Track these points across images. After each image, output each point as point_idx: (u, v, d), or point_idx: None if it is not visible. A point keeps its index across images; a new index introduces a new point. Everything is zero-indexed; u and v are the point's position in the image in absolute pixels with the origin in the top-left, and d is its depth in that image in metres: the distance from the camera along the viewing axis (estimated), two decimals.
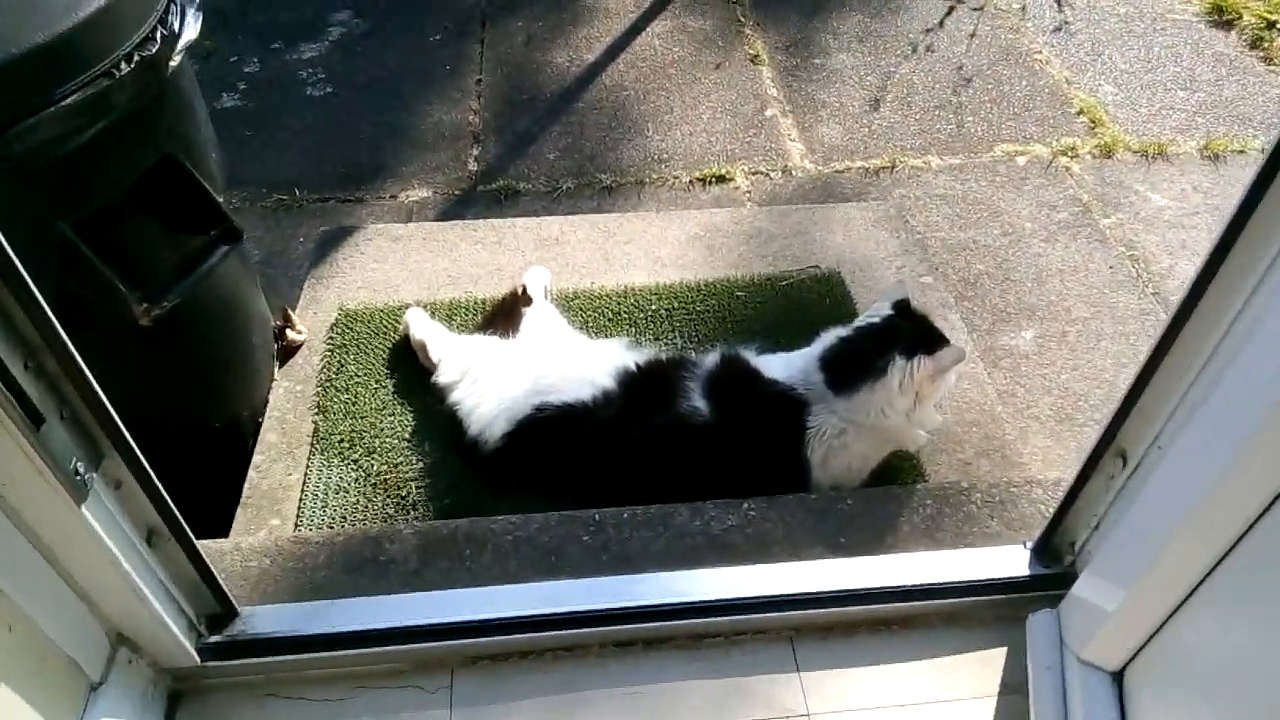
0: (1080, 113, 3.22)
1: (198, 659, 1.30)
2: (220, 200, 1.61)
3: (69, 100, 1.27)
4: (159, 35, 1.41)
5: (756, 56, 3.49)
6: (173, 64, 1.43)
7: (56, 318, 0.97)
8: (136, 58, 1.36)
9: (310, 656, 1.35)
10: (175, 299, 1.48)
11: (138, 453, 1.10)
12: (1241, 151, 3.02)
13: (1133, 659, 1.15)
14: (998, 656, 1.40)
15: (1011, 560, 1.46)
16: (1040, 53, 3.52)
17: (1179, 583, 1.06)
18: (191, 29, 1.48)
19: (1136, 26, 3.65)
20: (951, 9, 3.76)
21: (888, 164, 3.00)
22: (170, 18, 1.44)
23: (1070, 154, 3.04)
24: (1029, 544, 1.48)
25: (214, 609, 1.33)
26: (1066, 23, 3.68)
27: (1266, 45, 3.47)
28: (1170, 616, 1.08)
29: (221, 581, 1.31)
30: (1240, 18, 3.60)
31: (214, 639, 1.32)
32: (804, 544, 1.54)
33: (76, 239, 1.35)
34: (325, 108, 3.29)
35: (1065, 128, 3.16)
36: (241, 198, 2.89)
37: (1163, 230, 2.77)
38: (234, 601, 1.35)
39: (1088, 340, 2.42)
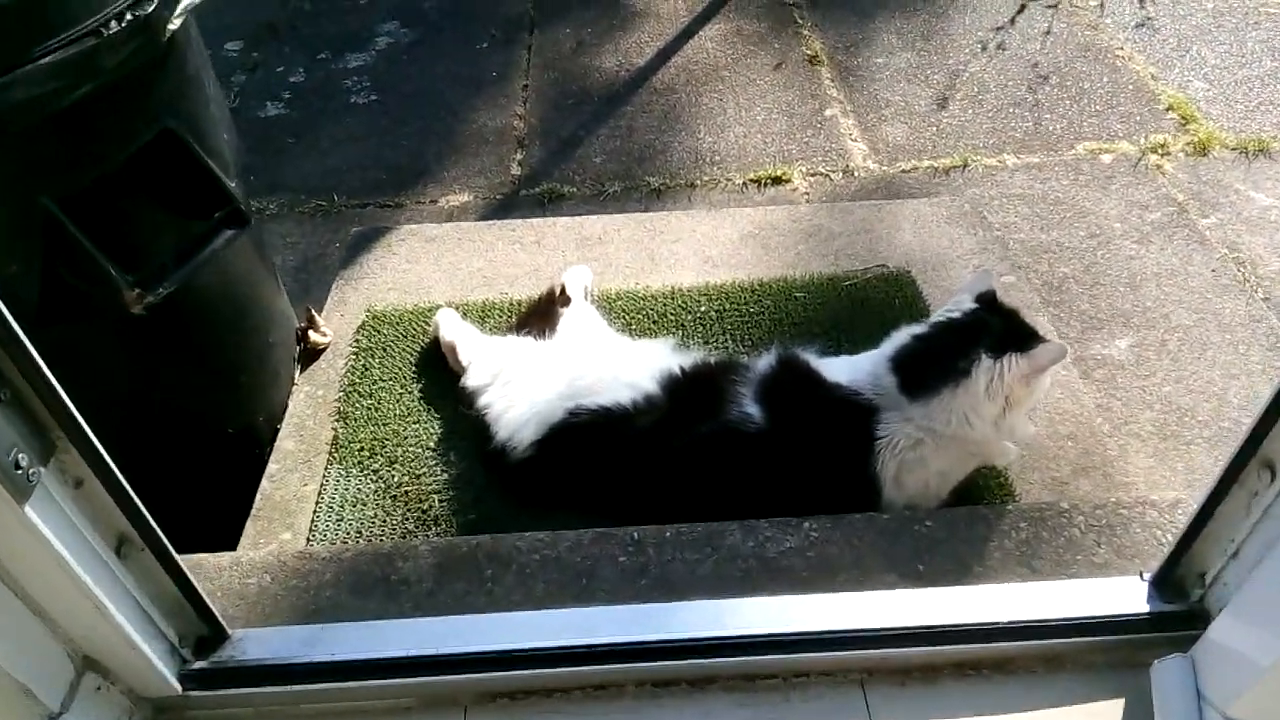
0: (1169, 109, 2.97)
1: (179, 687, 1.14)
2: (230, 183, 1.48)
3: (49, 59, 1.14)
4: None
5: (815, 57, 3.32)
6: (171, 27, 1.31)
7: (46, 307, 0.83)
8: (129, 17, 1.24)
9: (307, 689, 1.18)
10: (172, 286, 1.35)
11: (100, 449, 0.95)
12: None
13: None
14: (1113, 710, 1.16)
15: (1126, 594, 1.23)
16: (1122, 49, 3.27)
17: None
18: None
19: (1227, 21, 3.38)
20: (1023, 7, 3.54)
21: (959, 163, 2.78)
22: None
23: (1161, 151, 2.78)
24: (1146, 575, 1.24)
25: (201, 630, 1.18)
26: (1149, 18, 3.43)
27: None
28: None
29: (209, 600, 1.16)
30: None
31: (199, 665, 1.16)
32: (875, 571, 1.33)
33: (61, 215, 1.22)
34: (369, 115, 3.21)
35: (1153, 125, 2.91)
36: (279, 204, 2.80)
37: (1270, 231, 2.49)
38: (224, 623, 1.19)
39: (1191, 349, 2.17)
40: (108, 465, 0.96)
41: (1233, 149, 2.78)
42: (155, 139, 1.32)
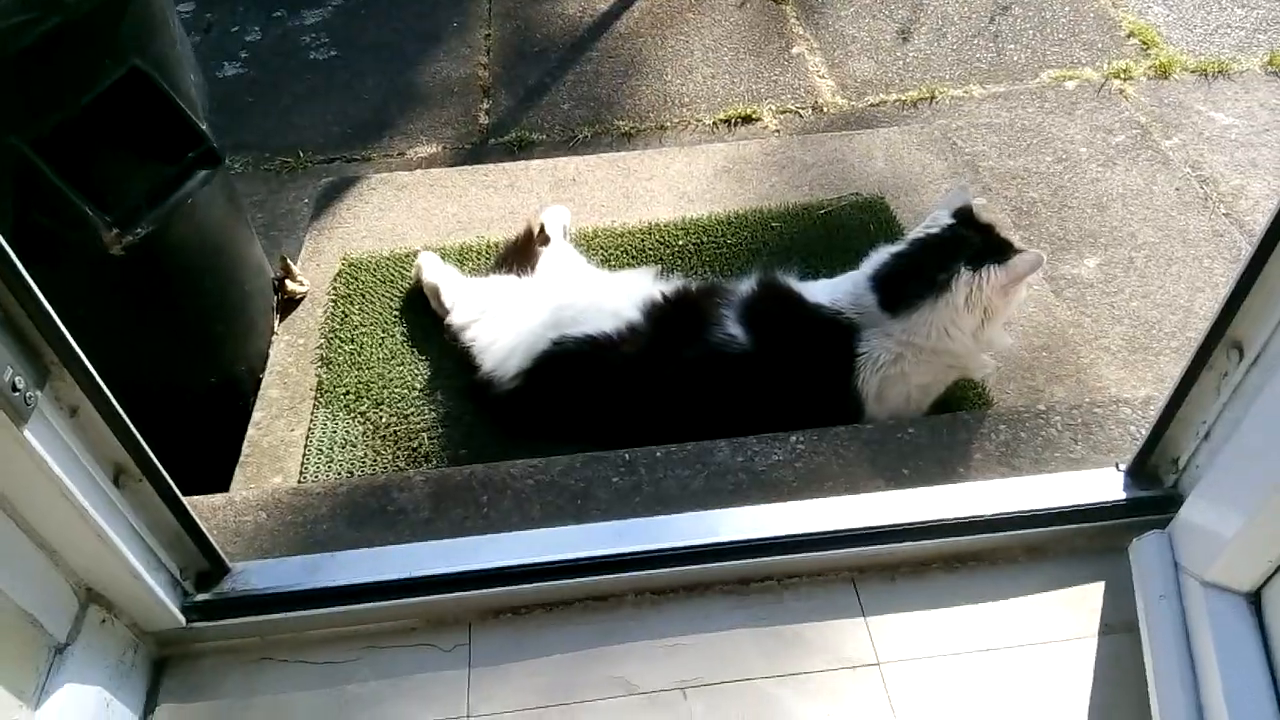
0: (1130, 35, 2.99)
1: (183, 620, 1.15)
2: (201, 124, 1.46)
3: None
4: None
5: None
6: None
7: (20, 251, 0.82)
8: None
9: (311, 613, 1.20)
10: (149, 226, 1.33)
11: (95, 375, 0.95)
12: None
13: (1274, 574, 0.96)
14: (1094, 592, 1.21)
15: (1103, 484, 1.28)
16: None
17: None
18: None
19: None
20: None
21: (926, 95, 2.79)
22: None
23: (1123, 76, 2.81)
24: (1122, 466, 1.29)
25: (201, 564, 1.19)
26: None
27: None
28: None
29: (209, 535, 1.17)
30: None
31: (202, 597, 1.18)
32: (862, 478, 1.36)
33: (33, 155, 1.20)
34: (329, 70, 3.15)
35: (1115, 51, 2.93)
36: (243, 162, 2.75)
37: (1230, 149, 2.54)
38: (224, 557, 1.20)
39: (1157, 265, 2.22)
40: (104, 393, 0.96)
41: (1193, 71, 2.82)
42: (124, 78, 1.30)
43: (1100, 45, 2.96)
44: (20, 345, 0.87)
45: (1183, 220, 2.33)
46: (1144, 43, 2.95)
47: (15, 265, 0.84)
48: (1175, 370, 1.95)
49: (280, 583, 1.20)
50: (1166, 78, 2.80)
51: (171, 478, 1.08)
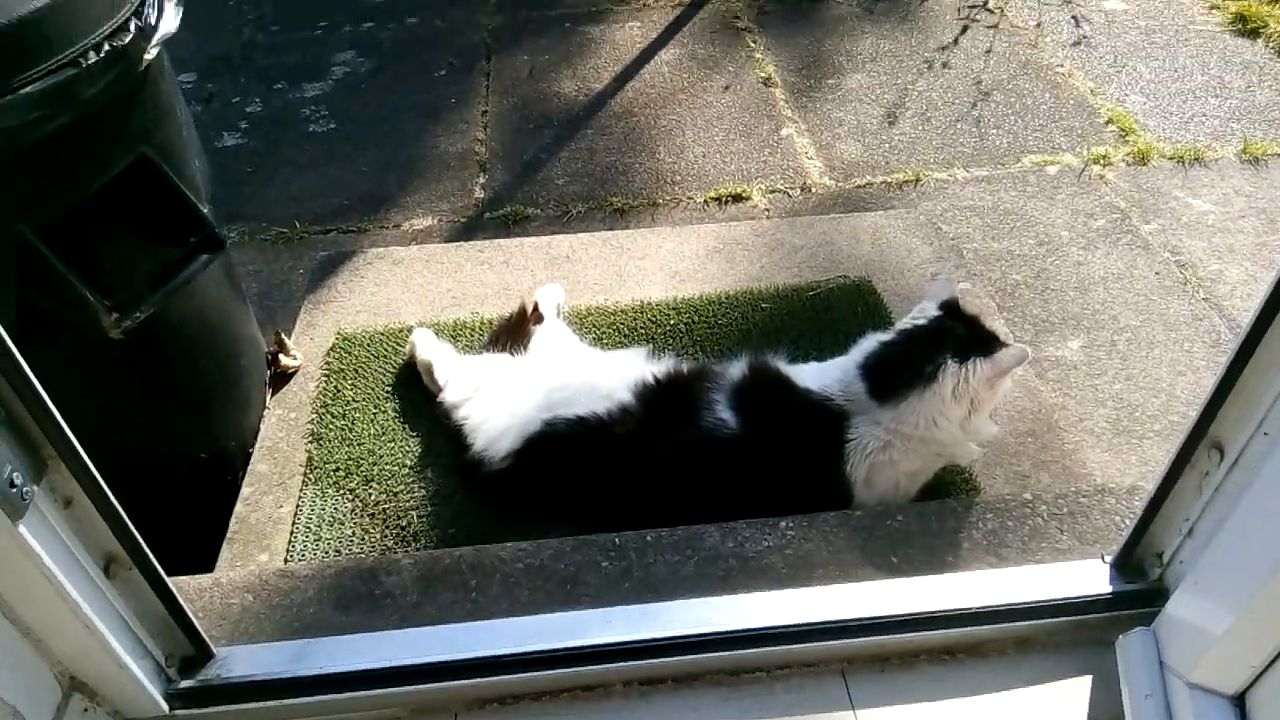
0: (1109, 122, 3.10)
1: (166, 707, 1.13)
2: (203, 208, 1.49)
3: (28, 89, 1.16)
4: (133, 26, 1.31)
5: (769, 79, 3.40)
6: (148, 58, 1.33)
7: (17, 330, 0.84)
8: (107, 48, 1.25)
9: (296, 702, 1.18)
10: (149, 309, 1.35)
11: (91, 467, 0.96)
12: None
13: (1258, 679, 0.97)
14: (1082, 687, 1.21)
15: (1090, 576, 1.29)
16: (1061, 66, 3.41)
17: None
18: (170, 21, 1.37)
19: (1159, 38, 3.54)
20: (966, 27, 3.68)
21: (912, 177, 2.87)
22: (146, 9, 1.34)
23: (1103, 162, 2.90)
24: (1108, 558, 1.30)
25: (186, 650, 1.18)
26: (1085, 37, 3.58)
27: None
28: None
29: (195, 619, 1.16)
30: (1266, 26, 3.49)
31: (185, 684, 1.16)
32: (851, 566, 1.37)
33: (38, 242, 1.22)
34: (328, 143, 3.22)
35: (1095, 137, 3.03)
36: (240, 232, 2.79)
37: (1208, 235, 2.61)
38: (209, 641, 1.19)
39: (1139, 349, 2.26)
40: (98, 484, 0.96)
41: (1170, 158, 2.91)
42: (130, 166, 1.33)
43: (1080, 131, 3.06)
44: (20, 441, 0.88)
45: (1163, 304, 2.38)
46: (1122, 130, 3.05)
47: (18, 362, 0.85)
48: (1159, 455, 2.00)
49: (265, 670, 1.19)
50: (1145, 164, 2.89)
51: (158, 555, 1.08)
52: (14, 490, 0.86)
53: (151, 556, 1.07)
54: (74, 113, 1.22)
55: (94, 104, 1.25)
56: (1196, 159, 2.89)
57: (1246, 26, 3.53)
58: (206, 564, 1.57)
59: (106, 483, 0.98)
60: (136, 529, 1.06)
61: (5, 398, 0.87)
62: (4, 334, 0.84)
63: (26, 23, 1.16)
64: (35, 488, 0.90)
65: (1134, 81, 3.30)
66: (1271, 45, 3.43)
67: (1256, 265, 2.49)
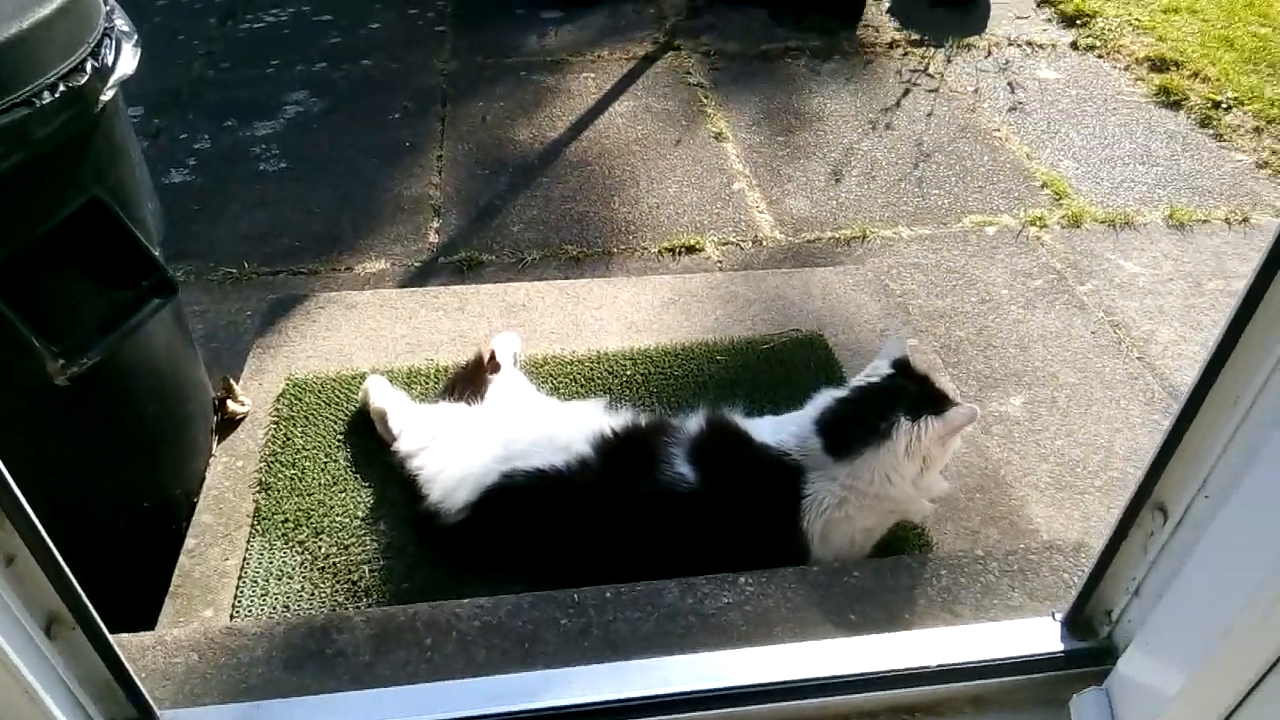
0: (1044, 185, 3.24)
1: None
2: (155, 251, 1.45)
3: None
4: (89, 67, 1.28)
5: (720, 134, 3.48)
6: (104, 99, 1.30)
7: None
8: (62, 88, 1.23)
9: None
10: (97, 355, 1.31)
11: (36, 523, 0.92)
12: (1206, 221, 3.04)
13: None
14: None
15: (1041, 634, 1.31)
16: (999, 130, 3.56)
17: (1262, 652, 0.92)
18: (127, 63, 1.35)
19: (1089, 107, 3.73)
20: (908, 90, 3.82)
21: (858, 234, 2.95)
22: (103, 50, 1.32)
23: (1039, 224, 3.03)
24: (1059, 615, 1.33)
25: (129, 713, 1.12)
26: (1020, 103, 3.75)
27: (1215, 123, 3.56)
28: (1256, 687, 0.93)
29: (138, 681, 1.11)
30: (1187, 99, 3.71)
31: None
32: (810, 623, 1.37)
33: None
34: (279, 182, 3.18)
35: (1031, 200, 3.16)
36: (186, 271, 2.73)
37: (1139, 296, 2.73)
38: (152, 704, 1.14)
39: (1078, 405, 2.34)
40: (43, 540, 0.92)
41: (1102, 222, 3.05)
42: (82, 207, 1.30)
43: (1016, 194, 3.19)
44: None
45: (1099, 362, 2.48)
46: (1056, 193, 3.19)
47: None
48: (1100, 510, 2.06)
49: None
50: (1078, 226, 3.02)
51: (100, 609, 1.03)
52: None
53: (95, 615, 1.02)
54: (26, 153, 1.19)
55: (47, 144, 1.22)
56: (1127, 223, 3.04)
57: (1169, 98, 3.74)
58: (148, 619, 1.51)
59: (47, 533, 0.93)
60: (78, 583, 1.01)
61: None
62: None
63: None
64: None
65: (1066, 147, 3.47)
66: (1193, 117, 3.63)
67: (1185, 326, 2.61)
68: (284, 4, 4.41)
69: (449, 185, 3.17)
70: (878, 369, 1.61)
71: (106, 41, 1.34)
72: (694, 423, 1.64)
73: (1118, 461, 2.18)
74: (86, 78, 1.27)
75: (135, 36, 1.40)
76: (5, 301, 1.21)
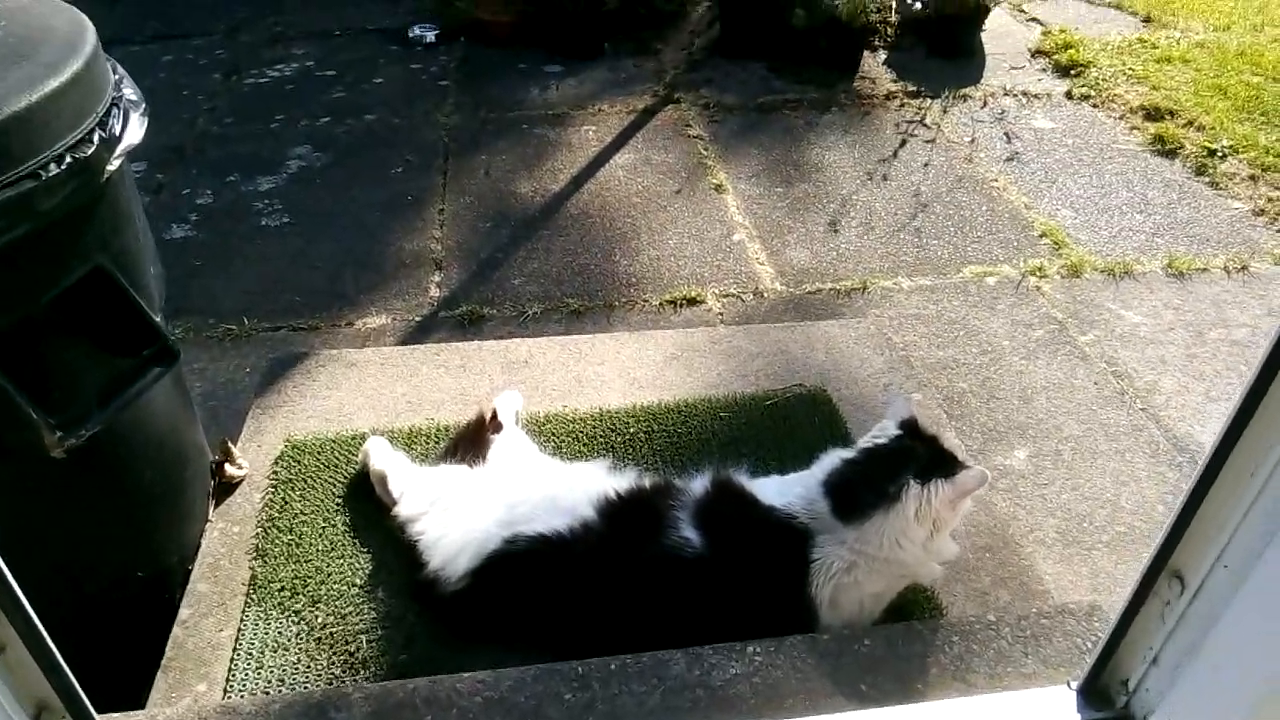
0: (1043, 235, 3.25)
1: None
2: (157, 318, 1.45)
3: None
4: (96, 138, 1.28)
5: (720, 185, 3.51)
6: (110, 169, 1.30)
7: None
8: (69, 160, 1.23)
9: None
10: (96, 427, 1.29)
11: (29, 611, 0.89)
12: (1205, 269, 3.04)
13: None
14: None
15: (1057, 705, 1.28)
16: (996, 180, 3.59)
17: None
18: (135, 132, 1.35)
19: (1085, 156, 3.76)
20: (904, 141, 3.86)
21: (859, 285, 2.96)
22: (111, 120, 1.32)
23: (1039, 274, 3.03)
24: (1074, 684, 1.30)
25: None
26: (1017, 153, 3.79)
27: (1211, 171, 3.59)
28: None
29: None
30: (1183, 147, 3.74)
31: None
32: (820, 695, 1.34)
33: None
34: (281, 238, 3.20)
35: (1030, 249, 3.17)
36: (186, 328, 2.73)
37: (1141, 346, 2.73)
38: None
39: (1083, 458, 2.32)
40: (36, 629, 0.90)
41: (1101, 271, 3.05)
42: (85, 276, 1.29)
43: (1016, 244, 3.20)
44: None
45: (1103, 414, 2.46)
46: (1055, 243, 3.20)
47: None
48: (1108, 566, 2.03)
49: None
50: (1078, 276, 3.03)
51: (91, 684, 1.00)
52: None
53: (86, 701, 0.99)
54: (32, 224, 1.18)
55: (52, 215, 1.21)
56: (1126, 272, 3.04)
57: (1165, 147, 3.77)
58: (138, 693, 1.47)
59: (40, 604, 0.91)
60: (67, 661, 0.99)
61: None
62: None
63: None
64: None
65: (1064, 196, 3.49)
66: (1189, 165, 3.66)
67: (1188, 376, 2.60)
68: (289, 60, 4.48)
69: (450, 239, 3.18)
70: (885, 429, 1.59)
71: (114, 111, 1.34)
72: (699, 484, 1.62)
73: (1125, 516, 2.16)
74: (94, 148, 1.27)
75: (143, 105, 1.41)
76: (3, 374, 1.19)
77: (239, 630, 1.56)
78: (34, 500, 1.35)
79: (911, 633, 1.45)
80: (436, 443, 1.95)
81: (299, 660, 1.52)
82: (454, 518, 1.62)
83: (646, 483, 1.66)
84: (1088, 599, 1.80)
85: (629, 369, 2.19)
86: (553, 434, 1.98)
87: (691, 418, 2.04)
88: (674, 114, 4.03)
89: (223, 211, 3.34)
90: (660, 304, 2.87)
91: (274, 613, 1.59)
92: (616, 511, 1.58)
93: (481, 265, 3.05)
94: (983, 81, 4.34)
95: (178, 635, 1.56)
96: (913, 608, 1.62)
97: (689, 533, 1.53)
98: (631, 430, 2.01)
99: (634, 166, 3.62)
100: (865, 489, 1.49)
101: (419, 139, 3.80)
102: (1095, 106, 4.12)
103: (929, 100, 4.16)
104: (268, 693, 1.46)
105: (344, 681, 1.47)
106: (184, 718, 1.29)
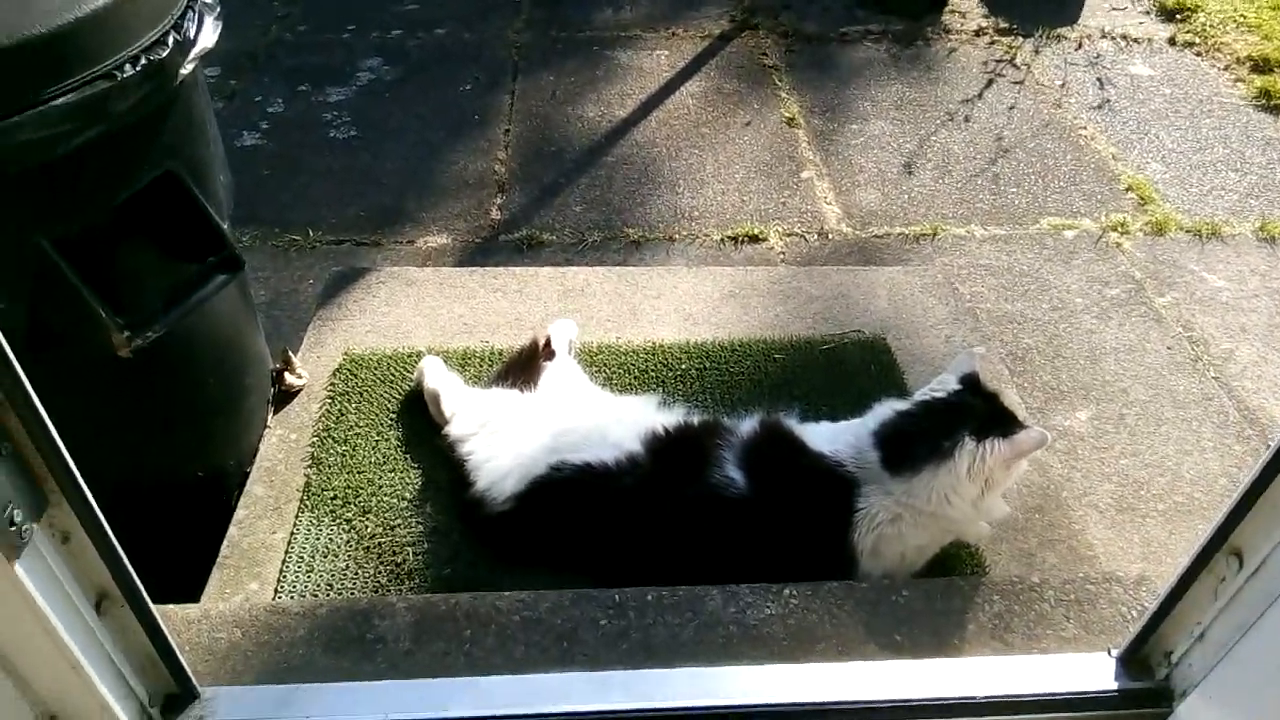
0: (1129, 189, 3.10)
1: None
2: (224, 226, 1.47)
3: (59, 101, 1.14)
4: (171, 40, 1.29)
5: (792, 119, 3.40)
6: (184, 73, 1.31)
7: (25, 343, 0.81)
8: (143, 61, 1.23)
9: None
10: (161, 329, 1.32)
11: (92, 502, 0.93)
12: None
13: None
14: None
15: (1095, 671, 1.26)
16: (1084, 128, 3.42)
17: None
18: (209, 36, 1.35)
19: (1183, 108, 3.55)
20: (991, 81, 3.69)
21: (929, 231, 2.86)
22: (186, 23, 1.32)
23: (1120, 230, 2.90)
24: (1114, 652, 1.28)
25: (171, 689, 1.14)
26: (1109, 100, 3.59)
27: None
28: None
29: (181, 657, 1.13)
30: None
31: None
32: (854, 642, 1.34)
33: (58, 257, 1.20)
34: (348, 150, 3.21)
35: (1114, 203, 3.03)
36: (252, 236, 2.77)
37: (1221, 312, 2.60)
38: (194, 680, 1.16)
39: (1147, 424, 2.24)
40: (98, 519, 0.94)
41: (1187, 231, 2.91)
42: (155, 181, 1.31)
43: (1099, 197, 3.06)
44: (23, 477, 0.85)
45: (1173, 380, 2.37)
46: (1141, 198, 3.05)
47: (26, 391, 0.83)
48: (1162, 536, 1.98)
49: (248, 715, 1.16)
50: (1162, 235, 2.89)
51: (145, 579, 1.05)
52: (13, 529, 0.83)
53: (144, 593, 1.04)
54: (105, 127, 1.20)
55: (126, 118, 1.23)
56: (1214, 233, 2.89)
57: (1270, 102, 3.54)
58: (194, 587, 1.54)
59: (101, 498, 0.95)
60: (127, 554, 1.03)
61: (10, 428, 0.84)
62: (13, 361, 0.82)
63: (62, 34, 1.14)
64: (34, 525, 0.87)
65: (1155, 149, 3.31)
66: None
67: (1268, 348, 2.48)
68: None
69: (514, 161, 3.16)
70: (945, 383, 1.55)
71: (189, 14, 1.34)
72: (748, 425, 1.61)
73: (1184, 486, 2.09)
74: (168, 51, 1.27)
75: (218, 9, 1.40)
76: (76, 272, 1.22)
77: (291, 534, 1.62)
78: (101, 398, 1.40)
79: (952, 588, 1.43)
80: (490, 365, 1.97)
81: (347, 567, 1.57)
82: (503, 441, 1.64)
83: (695, 420, 1.66)
84: (1137, 568, 1.76)
85: (684, 304, 2.17)
86: (604, 364, 1.99)
87: (745, 357, 2.02)
88: (750, 41, 3.90)
89: (292, 121, 3.35)
90: (721, 239, 2.83)
91: (325, 519, 1.64)
92: (663, 447, 1.58)
93: (543, 190, 3.02)
94: (1080, 21, 4.10)
95: (233, 535, 1.62)
96: (955, 563, 1.60)
97: (734, 473, 1.53)
98: (683, 366, 2.00)
99: (704, 95, 3.53)
100: (918, 442, 1.47)
101: (489, 56, 3.75)
102: (1199, 55, 3.87)
103: (1020, 39, 3.95)
104: (316, 596, 1.52)
105: (389, 590, 1.52)
106: (235, 614, 1.35)
